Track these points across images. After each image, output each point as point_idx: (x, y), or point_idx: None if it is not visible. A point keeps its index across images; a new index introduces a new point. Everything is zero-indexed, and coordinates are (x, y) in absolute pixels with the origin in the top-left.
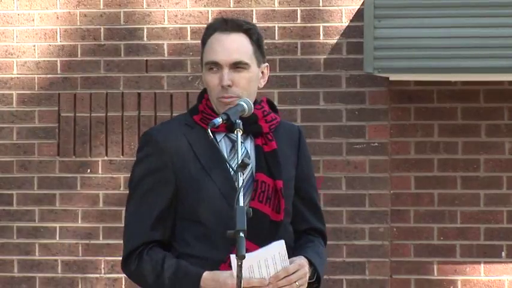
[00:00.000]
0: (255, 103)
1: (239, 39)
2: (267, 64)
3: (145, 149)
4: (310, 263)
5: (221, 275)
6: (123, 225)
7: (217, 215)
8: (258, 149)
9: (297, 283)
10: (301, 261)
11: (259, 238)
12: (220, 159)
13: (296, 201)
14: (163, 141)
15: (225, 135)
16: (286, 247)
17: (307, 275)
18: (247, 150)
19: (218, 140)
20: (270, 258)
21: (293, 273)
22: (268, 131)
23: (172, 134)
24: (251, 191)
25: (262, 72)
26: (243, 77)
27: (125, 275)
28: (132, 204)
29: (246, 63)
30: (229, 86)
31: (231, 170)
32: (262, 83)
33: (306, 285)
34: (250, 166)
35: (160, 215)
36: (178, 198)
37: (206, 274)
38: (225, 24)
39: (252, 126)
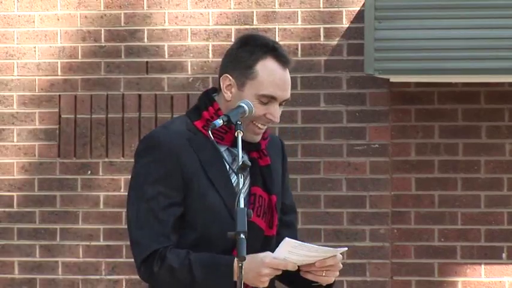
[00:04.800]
0: None
1: (289, 77)
2: None
3: (153, 154)
4: None
5: (258, 255)
6: (124, 226)
7: (219, 225)
8: (253, 162)
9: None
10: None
11: (252, 252)
12: (223, 170)
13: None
14: (171, 146)
15: (227, 148)
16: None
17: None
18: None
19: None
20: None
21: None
22: (264, 147)
23: (178, 139)
24: (247, 203)
25: None
26: (280, 111)
27: (135, 277)
28: (147, 206)
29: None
30: None
31: (231, 172)
32: None
33: (332, 278)
34: (248, 180)
35: (176, 220)
36: (186, 204)
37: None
38: (282, 55)
39: (252, 145)
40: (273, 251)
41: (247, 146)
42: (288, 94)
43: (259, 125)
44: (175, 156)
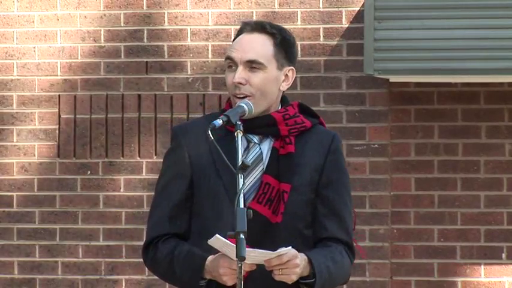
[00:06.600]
0: (281, 106)
1: (259, 39)
2: (292, 68)
3: (171, 144)
4: (311, 262)
5: (217, 257)
6: (123, 226)
7: (218, 211)
8: (273, 151)
9: (280, 271)
10: (292, 252)
11: (252, 238)
12: (233, 159)
13: (318, 207)
14: (184, 136)
15: (242, 135)
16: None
17: (299, 268)
18: (261, 152)
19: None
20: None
21: (287, 261)
22: (287, 134)
23: (193, 130)
24: (253, 190)
25: (286, 75)
26: (257, 77)
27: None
28: (156, 196)
29: (261, 63)
30: (241, 83)
31: (234, 171)
32: (285, 86)
33: (293, 275)
34: (261, 167)
35: (176, 207)
36: (193, 192)
37: (209, 257)
38: (252, 25)
39: (268, 129)
40: (279, 238)
41: (265, 130)
42: (246, 54)
43: (234, 94)
44: (186, 146)
